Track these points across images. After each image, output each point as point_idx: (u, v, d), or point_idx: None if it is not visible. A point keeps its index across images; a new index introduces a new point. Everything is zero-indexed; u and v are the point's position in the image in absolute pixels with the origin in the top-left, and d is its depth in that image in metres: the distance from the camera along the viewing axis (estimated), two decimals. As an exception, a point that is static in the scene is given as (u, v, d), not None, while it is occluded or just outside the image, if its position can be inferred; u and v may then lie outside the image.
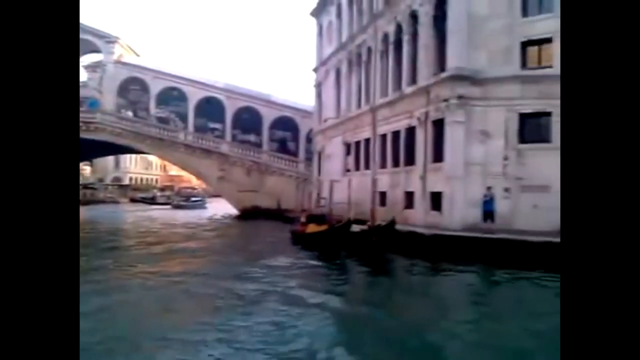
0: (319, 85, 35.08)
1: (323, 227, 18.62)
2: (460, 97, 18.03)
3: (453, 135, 18.30)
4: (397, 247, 17.37)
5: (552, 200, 16.96)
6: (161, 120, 41.84)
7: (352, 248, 17.17)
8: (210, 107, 42.63)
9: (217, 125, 42.82)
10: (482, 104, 18.26)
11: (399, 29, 22.73)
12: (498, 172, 18.11)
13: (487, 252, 15.37)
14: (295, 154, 42.14)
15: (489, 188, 17.03)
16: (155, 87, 43.17)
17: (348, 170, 28.94)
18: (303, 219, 21.97)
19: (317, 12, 35.18)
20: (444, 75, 18.70)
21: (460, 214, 17.98)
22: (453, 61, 18.33)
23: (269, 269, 13.96)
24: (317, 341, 7.42)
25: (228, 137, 42.17)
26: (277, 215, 33.56)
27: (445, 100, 18.40)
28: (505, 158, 18.07)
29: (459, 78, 18.12)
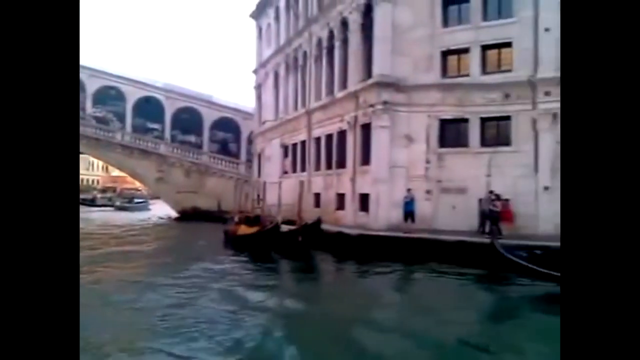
0: (258, 87, 35.32)
1: (254, 229, 18.93)
2: (385, 102, 18.82)
3: (379, 140, 19.07)
4: (325, 246, 17.95)
5: (469, 202, 18.12)
6: (98, 120, 40.80)
7: (281, 248, 17.58)
8: (149, 107, 41.96)
9: (156, 126, 42.22)
10: (406, 110, 19.14)
11: (331, 35, 23.38)
12: (420, 175, 19.06)
13: (407, 250, 16.18)
14: (236, 155, 42.15)
15: (409, 190, 17.88)
16: (92, 86, 42.04)
17: (286, 172, 29.38)
18: (236, 219, 22.21)
19: (256, 15, 35.40)
20: (370, 81, 19.46)
21: (385, 214, 18.76)
22: (378, 68, 19.11)
23: (195, 272, 14.05)
24: (244, 335, 7.82)
25: (167, 137, 41.65)
26: (217, 216, 33.51)
27: (372, 105, 19.17)
28: (427, 161, 19.03)
29: (384, 84, 18.92)
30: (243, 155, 42.28)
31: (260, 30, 35.20)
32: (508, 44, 17.85)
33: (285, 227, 18.50)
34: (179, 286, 11.60)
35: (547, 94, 16.96)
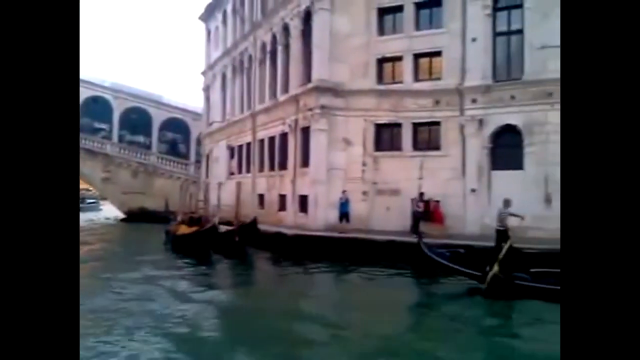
0: (207, 89, 35.35)
1: (192, 229, 19.15)
2: (323, 107, 19.40)
3: (317, 142, 19.64)
4: (264, 246, 18.35)
5: (402, 203, 18.90)
6: (41, 118, 39.66)
7: (219, 248, 17.87)
8: (96, 107, 41.08)
9: (104, 126, 41.41)
10: (344, 114, 19.79)
11: (274, 39, 23.82)
12: (357, 177, 19.73)
13: (341, 250, 16.77)
14: (186, 156, 41.90)
15: (344, 191, 18.51)
16: (35, 84, 40.82)
17: (232, 174, 29.59)
18: (179, 220, 22.33)
19: (205, 17, 35.43)
20: (309, 86, 20.00)
21: (322, 215, 19.33)
22: (317, 73, 19.69)
23: (134, 272, 14.11)
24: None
25: (115, 137, 40.98)
26: (164, 217, 33.30)
27: (311, 109, 19.72)
28: (364, 164, 19.73)
29: (322, 89, 19.50)
30: (192, 156, 42.06)
31: (209, 32, 35.24)
32: (438, 53, 18.77)
33: (224, 228, 18.79)
34: (111, 286, 11.80)
35: (473, 101, 17.96)
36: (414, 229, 17.28)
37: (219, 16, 32.64)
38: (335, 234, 17.67)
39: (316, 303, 11.14)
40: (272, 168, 23.88)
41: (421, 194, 17.60)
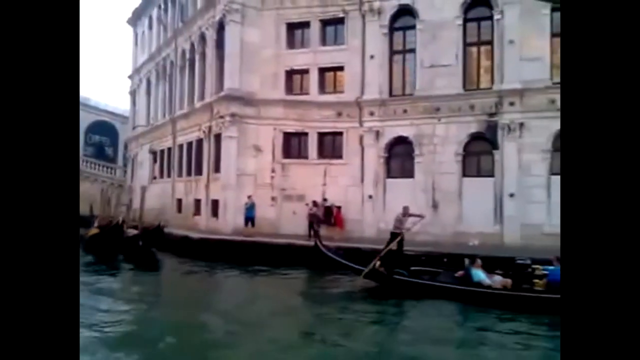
0: (133, 93, 35.31)
1: (95, 231, 19.45)
2: (233, 114, 20.18)
3: (227, 149, 20.39)
4: (171, 250, 18.87)
5: (306, 208, 19.91)
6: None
7: (125, 251, 18.24)
8: (18, 108, 40.04)
9: (26, 127, 40.38)
10: (255, 122, 20.65)
11: (192, 47, 24.40)
12: (267, 183, 20.62)
13: (245, 252, 17.54)
14: (113, 159, 41.48)
15: (249, 196, 19.33)
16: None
17: (155, 178, 29.79)
18: (96, 224, 22.42)
19: (133, 22, 35.43)
20: (221, 94, 20.74)
21: (232, 219, 20.05)
22: (228, 82, 20.47)
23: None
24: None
25: (38, 139, 40.02)
26: (88, 221, 32.93)
27: (222, 117, 20.45)
28: (273, 170, 20.65)
29: (233, 98, 20.29)
30: (120, 160, 41.68)
31: (136, 36, 35.25)
32: (341, 68, 20.02)
33: (131, 231, 19.18)
34: None
35: (371, 114, 19.30)
36: (310, 231, 18.30)
37: (146, 21, 32.79)
38: (239, 238, 18.44)
39: (206, 302, 11.88)
40: (189, 173, 24.39)
41: (326, 200, 18.72)
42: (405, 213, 13.86)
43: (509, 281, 11.48)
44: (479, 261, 11.98)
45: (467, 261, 12.37)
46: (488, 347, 8.26)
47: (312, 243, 16.19)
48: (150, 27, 32.03)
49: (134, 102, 35.44)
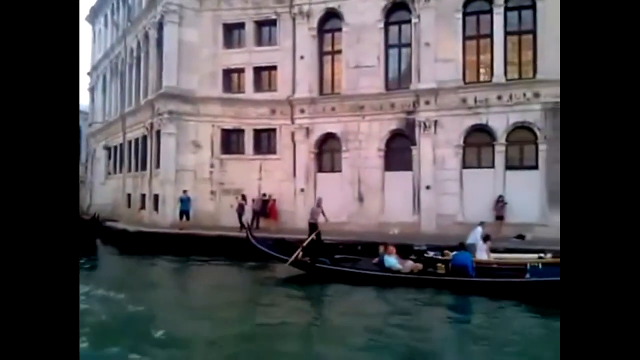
0: (92, 90, 35.86)
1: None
2: (171, 112, 21.01)
3: (167, 145, 21.22)
4: (111, 243, 19.72)
5: (243, 202, 20.86)
6: None
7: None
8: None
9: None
10: (195, 120, 21.51)
11: (139, 46, 25.13)
12: (206, 178, 21.53)
13: (181, 245, 18.41)
14: (75, 155, 41.90)
15: (185, 191, 20.20)
16: None
17: (109, 174, 30.49)
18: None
19: (91, 19, 35.90)
20: (160, 92, 21.55)
21: (170, 213, 20.90)
22: (166, 81, 21.28)
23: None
24: None
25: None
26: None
27: (160, 114, 21.27)
28: (212, 166, 21.55)
29: (171, 96, 21.11)
30: (84, 157, 42.09)
31: (94, 34, 35.75)
32: (274, 68, 20.98)
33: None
34: None
35: (302, 111, 20.32)
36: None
37: (102, 19, 33.33)
38: (173, 231, 19.32)
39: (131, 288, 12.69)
40: (137, 169, 25.15)
41: (265, 195, 19.74)
42: (319, 205, 14.93)
43: (419, 266, 12.56)
44: (391, 248, 13.05)
45: (381, 249, 13.47)
46: (395, 315, 9.78)
47: (242, 235, 17.23)
48: (106, 25, 32.59)
49: (92, 99, 35.98)
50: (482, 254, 13.14)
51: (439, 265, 12.52)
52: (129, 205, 25.82)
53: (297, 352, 7.53)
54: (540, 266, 12.04)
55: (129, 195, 26.14)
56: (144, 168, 23.84)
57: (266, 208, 20.30)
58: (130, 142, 26.33)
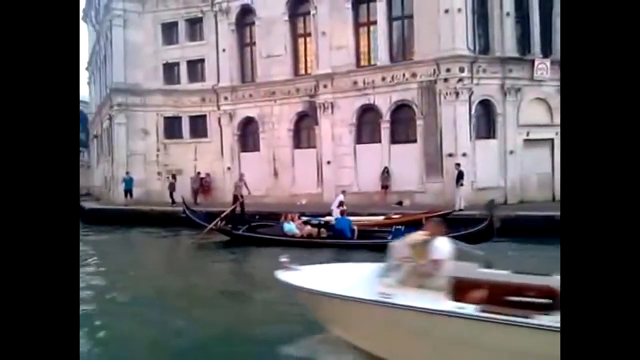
0: (89, 83, 39.68)
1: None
2: (119, 104, 24.09)
3: (118, 133, 24.38)
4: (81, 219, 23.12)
5: (184, 180, 23.78)
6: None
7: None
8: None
9: None
10: (142, 109, 24.50)
11: (104, 45, 28.31)
12: (153, 160, 24.56)
13: (126, 218, 21.40)
14: (86, 144, 46.15)
15: (127, 172, 23.28)
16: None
17: (99, 159, 34.22)
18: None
19: (84, 19, 39.54)
20: (112, 87, 24.64)
21: (122, 192, 24.05)
22: (115, 77, 24.35)
23: None
24: None
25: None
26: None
27: (112, 106, 24.40)
28: (158, 150, 24.54)
29: (120, 90, 24.17)
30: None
31: (88, 32, 39.39)
32: (203, 60, 23.56)
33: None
34: None
35: (225, 98, 22.88)
36: (171, 199, 22.07)
37: (88, 20, 36.82)
38: (120, 207, 22.48)
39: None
40: (105, 155, 28.58)
41: (200, 173, 22.66)
42: (241, 179, 17.48)
43: (314, 230, 14.93)
44: (291, 216, 15.46)
45: (282, 217, 15.94)
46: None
47: (172, 208, 20.04)
48: (92, 25, 36.07)
49: (90, 91, 39.84)
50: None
51: (322, 230, 14.90)
52: (105, 187, 29.33)
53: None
54: (403, 228, 14.15)
55: (105, 178, 29.65)
56: (110, 153, 27.16)
57: (202, 185, 23.12)
58: (103, 131, 29.74)
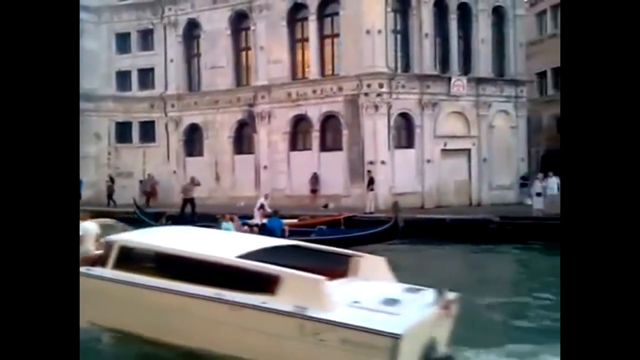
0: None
1: None
2: (73, 109, 25.33)
3: (71, 137, 25.61)
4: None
5: (134, 183, 25.15)
6: None
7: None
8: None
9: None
10: (95, 115, 25.79)
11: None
12: (105, 163, 25.88)
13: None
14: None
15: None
16: None
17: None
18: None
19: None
20: (66, 93, 25.92)
21: (74, 192, 25.33)
22: (69, 83, 25.60)
23: None
24: None
25: None
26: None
27: (66, 111, 25.66)
28: (109, 153, 25.88)
29: (73, 96, 25.43)
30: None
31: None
32: (152, 69, 25.05)
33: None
34: None
35: (172, 106, 24.41)
36: (108, 201, 23.36)
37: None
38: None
39: None
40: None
41: (150, 175, 24.05)
42: (193, 182, 18.97)
43: (246, 228, 16.40)
44: (228, 216, 16.84)
45: (219, 217, 17.35)
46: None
47: (108, 209, 21.34)
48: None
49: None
50: (256, 219, 16.99)
51: (254, 228, 16.44)
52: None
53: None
54: (325, 228, 15.81)
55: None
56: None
57: (151, 187, 24.49)
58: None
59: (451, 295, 5.32)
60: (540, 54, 29.05)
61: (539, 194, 16.46)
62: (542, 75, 29.42)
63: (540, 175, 17.98)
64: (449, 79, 20.88)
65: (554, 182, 16.60)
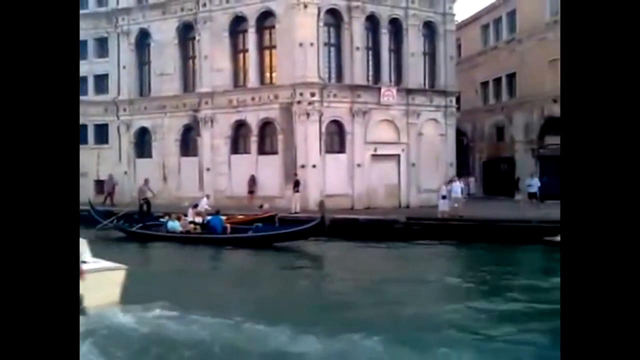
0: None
1: None
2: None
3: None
4: None
5: (88, 183, 26.33)
6: None
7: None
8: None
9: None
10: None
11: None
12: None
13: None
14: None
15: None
16: None
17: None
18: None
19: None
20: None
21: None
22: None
23: None
24: None
25: None
26: None
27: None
28: (66, 154, 27.09)
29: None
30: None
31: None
32: (107, 75, 26.36)
33: None
34: None
35: (124, 110, 25.72)
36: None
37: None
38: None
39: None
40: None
41: (112, 176, 25.32)
42: (147, 184, 20.28)
43: (191, 226, 17.72)
44: (174, 215, 18.16)
45: (166, 217, 18.61)
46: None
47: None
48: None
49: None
50: (190, 217, 18.33)
51: (196, 226, 17.78)
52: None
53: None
54: (261, 225, 17.28)
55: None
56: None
57: (112, 187, 25.65)
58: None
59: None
60: (483, 65, 30.74)
61: (444, 197, 17.94)
62: (485, 85, 31.01)
63: (453, 179, 19.54)
64: (380, 89, 22.36)
65: (457, 186, 18.11)
